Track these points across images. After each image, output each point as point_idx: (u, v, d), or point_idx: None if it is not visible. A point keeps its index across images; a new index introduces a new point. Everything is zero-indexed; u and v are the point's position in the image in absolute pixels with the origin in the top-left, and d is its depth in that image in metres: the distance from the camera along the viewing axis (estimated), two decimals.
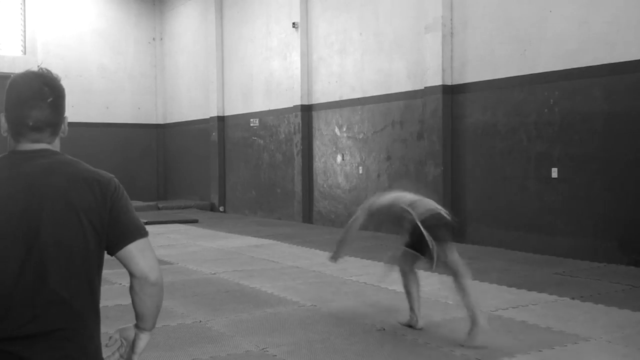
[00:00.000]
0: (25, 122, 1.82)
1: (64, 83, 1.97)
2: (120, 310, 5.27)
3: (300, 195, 13.09)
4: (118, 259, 1.87)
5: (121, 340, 1.97)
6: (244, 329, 4.97)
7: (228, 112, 15.96)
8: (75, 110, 16.96)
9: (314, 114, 12.98)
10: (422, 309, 5.05)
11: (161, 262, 8.18)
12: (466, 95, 9.71)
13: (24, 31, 16.86)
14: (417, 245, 4.74)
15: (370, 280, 6.81)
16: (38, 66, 1.92)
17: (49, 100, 1.83)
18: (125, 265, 1.87)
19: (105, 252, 1.88)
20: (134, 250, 1.85)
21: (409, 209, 4.75)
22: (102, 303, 1.95)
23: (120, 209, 1.85)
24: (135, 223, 1.88)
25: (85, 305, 1.79)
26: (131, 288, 1.90)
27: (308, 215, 13.05)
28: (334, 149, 12.42)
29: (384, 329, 4.93)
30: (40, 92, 1.83)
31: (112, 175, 1.90)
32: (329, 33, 12.52)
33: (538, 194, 8.68)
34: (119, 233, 1.84)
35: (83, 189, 1.79)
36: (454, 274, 4.65)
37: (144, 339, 1.97)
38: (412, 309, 4.97)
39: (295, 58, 13.21)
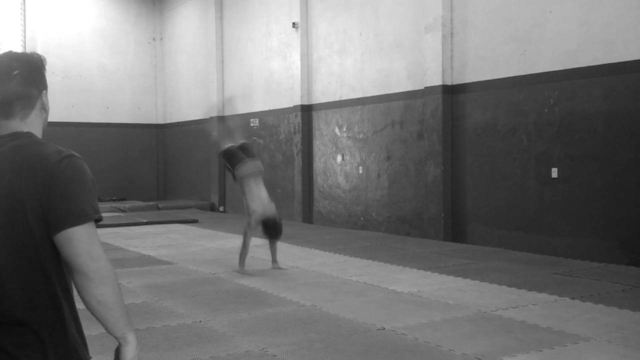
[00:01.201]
0: None
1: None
2: None
3: (300, 195, 13.09)
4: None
5: None
6: (244, 329, 4.97)
7: (228, 112, 15.96)
8: (75, 110, 16.98)
9: (314, 114, 12.98)
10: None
11: (161, 262, 8.17)
12: (466, 95, 9.71)
13: (24, 31, 16.86)
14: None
15: (370, 280, 6.81)
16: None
17: (14, 72, 1.79)
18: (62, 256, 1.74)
19: None
20: (64, 239, 1.69)
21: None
22: None
23: (56, 192, 1.70)
24: (73, 207, 1.70)
25: (41, 297, 1.73)
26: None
27: (308, 215, 13.05)
28: (334, 149, 12.42)
29: (384, 329, 4.93)
30: (6, 67, 1.79)
31: (68, 154, 1.75)
32: (329, 33, 12.52)
33: (538, 194, 8.68)
34: (52, 218, 1.69)
35: (29, 176, 1.70)
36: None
37: (124, 351, 1.77)
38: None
39: (295, 58, 13.21)
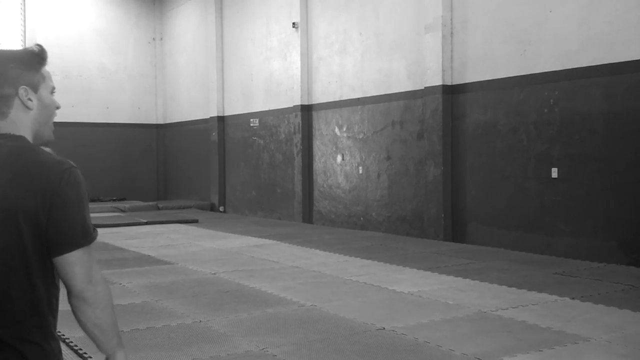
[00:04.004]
0: None
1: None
2: (118, 311, 5.27)
3: (300, 195, 13.09)
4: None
5: None
6: (244, 329, 4.97)
7: (228, 112, 15.97)
8: (75, 110, 16.97)
9: (314, 114, 12.98)
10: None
11: (161, 262, 8.17)
12: (466, 95, 9.71)
13: (24, 31, 16.86)
14: None
15: (370, 280, 6.81)
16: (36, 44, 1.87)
17: None
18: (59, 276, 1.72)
19: None
20: (65, 263, 1.66)
21: None
22: None
23: (60, 212, 1.65)
24: (72, 230, 1.66)
25: (27, 311, 1.67)
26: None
27: (308, 215, 13.05)
28: (334, 149, 12.43)
29: (384, 329, 4.93)
30: None
31: (68, 167, 1.69)
32: (329, 33, 12.53)
33: (538, 194, 8.68)
34: (53, 239, 1.66)
35: (24, 187, 1.63)
36: None
37: None
38: None
39: (295, 58, 13.21)
